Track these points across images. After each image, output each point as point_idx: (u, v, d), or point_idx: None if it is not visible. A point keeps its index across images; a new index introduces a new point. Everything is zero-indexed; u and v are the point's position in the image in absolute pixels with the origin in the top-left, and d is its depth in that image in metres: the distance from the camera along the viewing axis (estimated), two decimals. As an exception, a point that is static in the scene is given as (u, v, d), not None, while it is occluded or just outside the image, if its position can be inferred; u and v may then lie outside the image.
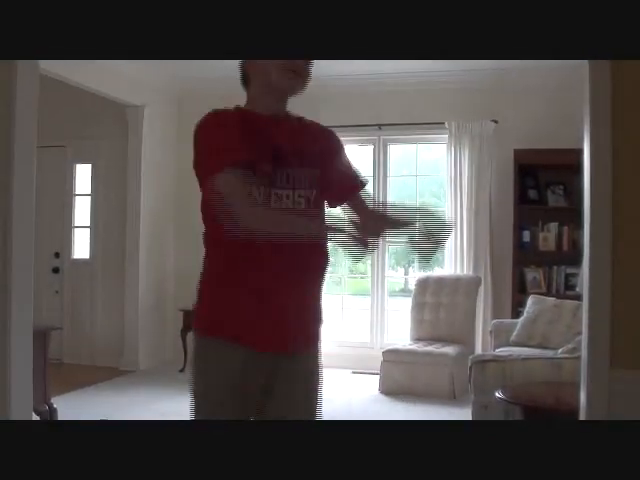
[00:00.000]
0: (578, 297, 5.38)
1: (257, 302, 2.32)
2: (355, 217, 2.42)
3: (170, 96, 8.50)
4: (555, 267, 7.41)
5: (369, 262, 8.28)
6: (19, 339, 3.13)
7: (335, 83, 7.40)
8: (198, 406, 2.37)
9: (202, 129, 2.33)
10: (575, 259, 6.52)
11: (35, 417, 4.48)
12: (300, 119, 2.54)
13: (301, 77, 2.41)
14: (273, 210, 2.30)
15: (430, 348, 6.98)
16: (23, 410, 3.15)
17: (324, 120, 2.90)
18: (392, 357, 6.92)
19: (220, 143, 2.27)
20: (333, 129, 2.60)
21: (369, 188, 2.67)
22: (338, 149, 2.57)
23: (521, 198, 7.41)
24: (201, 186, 2.33)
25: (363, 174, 2.59)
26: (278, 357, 2.36)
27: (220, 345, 2.34)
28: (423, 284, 7.61)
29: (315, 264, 2.42)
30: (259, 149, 2.31)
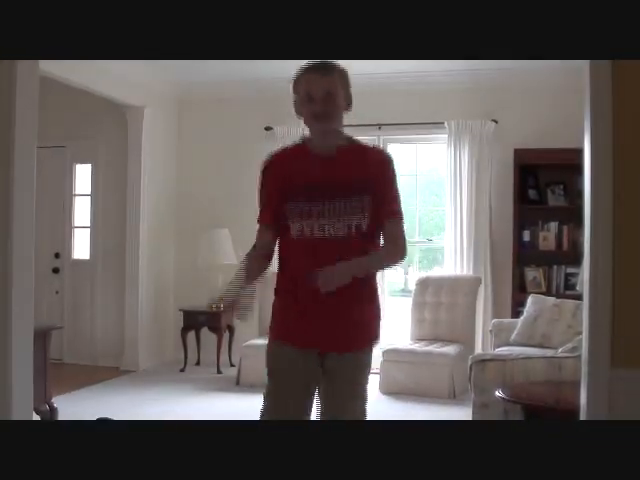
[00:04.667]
0: (578, 297, 5.37)
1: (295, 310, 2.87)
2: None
3: (170, 97, 8.49)
4: (555, 267, 7.40)
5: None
6: (20, 339, 3.13)
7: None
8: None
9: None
10: (575, 259, 6.53)
11: (36, 416, 4.48)
12: (354, 148, 2.89)
13: (323, 118, 2.77)
14: (251, 258, 2.87)
15: (430, 348, 6.97)
16: (24, 409, 3.16)
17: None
18: (392, 357, 6.91)
19: (260, 200, 2.92)
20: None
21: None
22: (384, 178, 2.88)
23: (521, 198, 7.41)
24: None
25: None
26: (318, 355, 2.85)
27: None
28: (423, 284, 7.60)
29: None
30: (303, 189, 2.77)
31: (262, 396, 2.91)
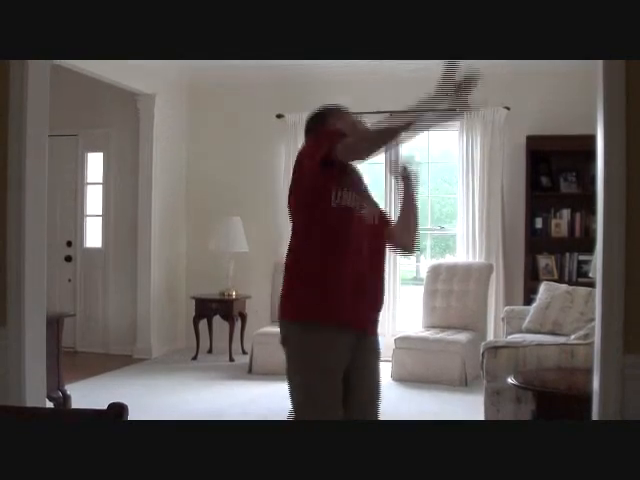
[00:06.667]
0: (590, 284, 5.37)
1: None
2: None
3: (181, 84, 8.49)
4: (567, 254, 7.39)
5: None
6: (33, 326, 3.15)
7: (346, 70, 7.38)
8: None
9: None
10: (587, 246, 6.51)
11: (49, 403, 4.51)
12: None
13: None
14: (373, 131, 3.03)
15: (442, 335, 6.97)
16: (37, 396, 3.18)
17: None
18: (404, 344, 6.92)
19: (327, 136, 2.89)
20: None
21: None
22: None
23: (533, 185, 7.38)
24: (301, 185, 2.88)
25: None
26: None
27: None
28: (435, 271, 7.60)
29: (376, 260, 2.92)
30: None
31: (298, 387, 2.79)
